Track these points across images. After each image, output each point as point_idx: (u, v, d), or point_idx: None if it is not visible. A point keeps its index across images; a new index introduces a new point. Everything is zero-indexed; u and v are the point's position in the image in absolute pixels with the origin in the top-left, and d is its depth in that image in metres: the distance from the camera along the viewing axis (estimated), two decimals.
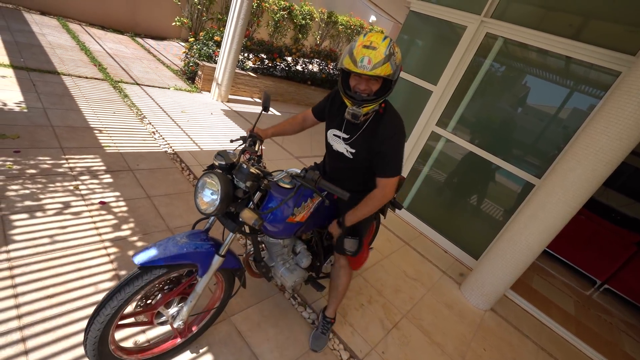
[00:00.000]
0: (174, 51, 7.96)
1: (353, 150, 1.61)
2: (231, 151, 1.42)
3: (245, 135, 1.67)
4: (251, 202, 1.40)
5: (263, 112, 1.66)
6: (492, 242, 3.33)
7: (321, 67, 7.92)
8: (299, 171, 1.38)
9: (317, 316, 2.22)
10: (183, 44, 8.73)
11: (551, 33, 2.92)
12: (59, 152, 2.78)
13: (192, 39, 6.18)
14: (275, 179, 1.43)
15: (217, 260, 1.42)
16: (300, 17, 10.20)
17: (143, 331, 1.70)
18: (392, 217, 4.05)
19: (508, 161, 3.29)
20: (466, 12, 3.39)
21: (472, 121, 3.65)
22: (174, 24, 8.14)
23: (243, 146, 1.59)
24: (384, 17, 13.91)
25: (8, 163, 2.45)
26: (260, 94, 6.58)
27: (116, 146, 3.19)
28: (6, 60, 3.96)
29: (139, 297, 1.37)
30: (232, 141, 1.68)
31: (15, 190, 2.24)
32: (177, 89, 5.40)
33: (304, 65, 7.42)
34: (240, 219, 1.35)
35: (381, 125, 1.52)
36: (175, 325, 1.49)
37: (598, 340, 3.20)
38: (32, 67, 4.06)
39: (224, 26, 5.22)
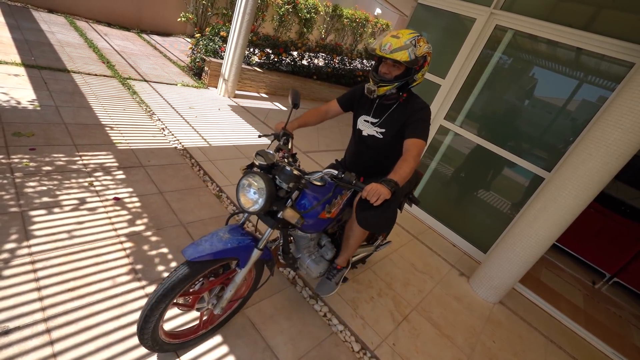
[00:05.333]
0: (180, 47, 7.99)
1: (382, 130, 1.83)
2: (270, 151, 1.51)
3: (274, 132, 1.77)
4: (290, 201, 1.50)
5: (293, 109, 1.76)
6: (501, 236, 3.33)
7: (327, 61, 7.89)
8: (336, 173, 1.45)
9: (329, 309, 2.26)
10: (189, 39, 8.74)
11: (562, 24, 2.88)
12: (72, 149, 2.83)
13: (198, 34, 6.19)
14: (311, 179, 1.53)
15: (256, 254, 1.53)
16: (305, 10, 10.13)
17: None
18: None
19: (517, 154, 3.27)
20: (475, 4, 3.35)
21: (480, 114, 3.63)
22: (179, 19, 8.15)
23: (278, 144, 1.71)
24: (389, 10, 13.74)
25: (25, 160, 2.50)
26: (266, 88, 6.59)
27: (127, 143, 3.24)
28: (18, 59, 4.01)
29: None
30: (260, 136, 1.81)
31: (33, 187, 2.30)
32: (184, 85, 5.43)
33: (309, 60, 7.40)
34: (282, 217, 1.48)
35: (410, 104, 1.77)
36: (215, 312, 1.63)
37: (607, 333, 3.20)
38: (43, 65, 4.11)
39: (229, 21, 5.23)
